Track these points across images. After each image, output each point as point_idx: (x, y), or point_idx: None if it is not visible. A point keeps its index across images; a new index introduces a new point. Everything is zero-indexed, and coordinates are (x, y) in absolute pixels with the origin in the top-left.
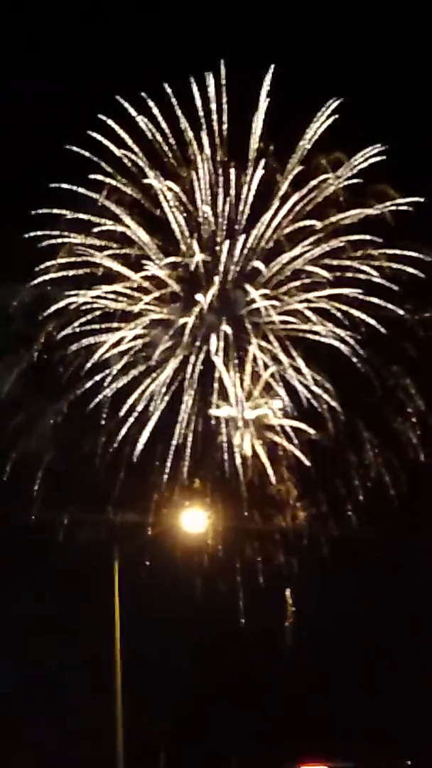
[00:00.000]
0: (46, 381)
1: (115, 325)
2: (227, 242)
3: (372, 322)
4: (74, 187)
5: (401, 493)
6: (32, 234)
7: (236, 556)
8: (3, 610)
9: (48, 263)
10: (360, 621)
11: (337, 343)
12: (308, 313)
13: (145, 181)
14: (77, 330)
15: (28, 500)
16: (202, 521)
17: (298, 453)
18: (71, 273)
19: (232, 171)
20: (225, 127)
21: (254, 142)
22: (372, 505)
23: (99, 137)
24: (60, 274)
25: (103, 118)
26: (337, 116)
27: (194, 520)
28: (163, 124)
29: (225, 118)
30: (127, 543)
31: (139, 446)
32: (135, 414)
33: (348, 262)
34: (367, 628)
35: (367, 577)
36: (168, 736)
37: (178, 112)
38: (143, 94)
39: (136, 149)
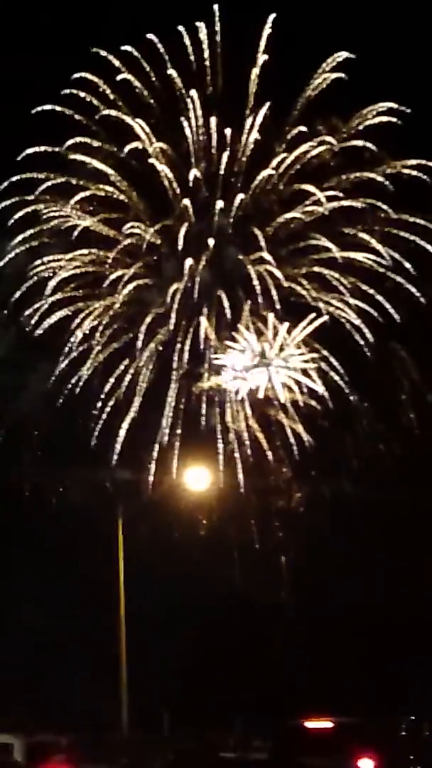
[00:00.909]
0: (38, 346)
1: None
2: (220, 202)
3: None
4: (55, 149)
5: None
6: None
7: (235, 519)
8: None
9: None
10: (360, 581)
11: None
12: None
13: (128, 147)
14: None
15: (22, 461)
16: (205, 479)
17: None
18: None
19: (228, 131)
20: (219, 82)
21: (250, 102)
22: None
23: (82, 94)
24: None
25: (86, 75)
26: (341, 75)
27: (197, 478)
28: (152, 79)
29: (219, 72)
30: (127, 503)
31: (134, 408)
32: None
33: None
34: (368, 586)
35: (365, 539)
36: (171, 697)
37: (169, 68)
38: (128, 47)
39: (122, 107)
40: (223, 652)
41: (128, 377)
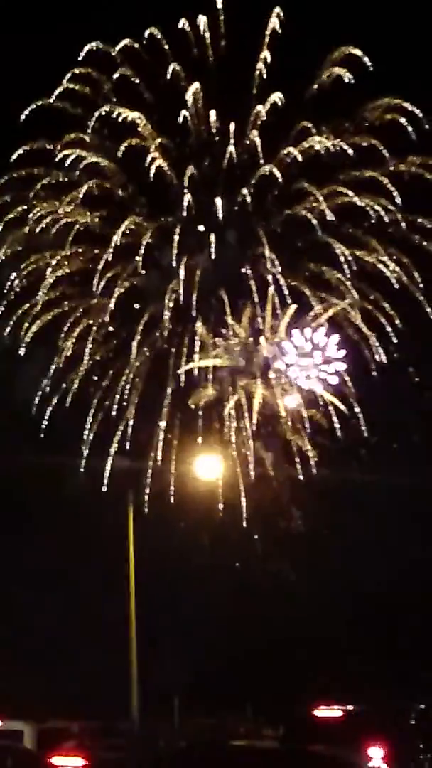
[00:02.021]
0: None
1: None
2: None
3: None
4: (51, 146)
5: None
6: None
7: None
8: (10, 562)
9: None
10: (373, 567)
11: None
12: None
13: (127, 143)
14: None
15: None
16: (217, 468)
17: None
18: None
19: (231, 126)
20: (221, 77)
21: (254, 97)
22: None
23: (80, 89)
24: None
25: (85, 70)
26: (346, 72)
27: (209, 467)
28: (152, 74)
29: (222, 67)
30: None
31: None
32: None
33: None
34: (380, 575)
35: (381, 524)
36: (181, 682)
37: (170, 62)
38: (127, 41)
39: (121, 102)
40: (234, 640)
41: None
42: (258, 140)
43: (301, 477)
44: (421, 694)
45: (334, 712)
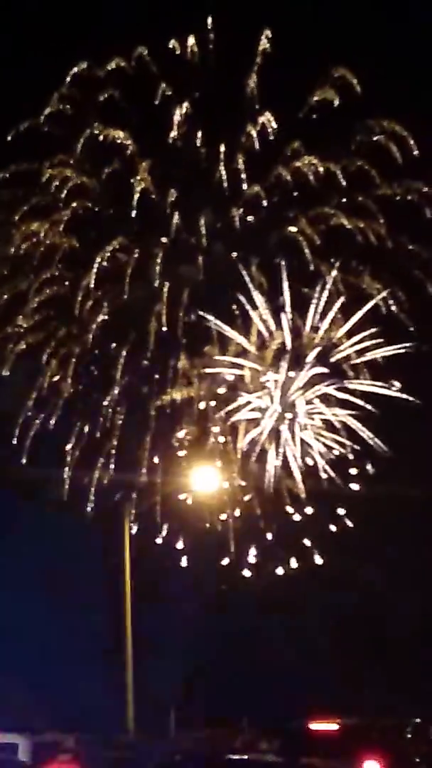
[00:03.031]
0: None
1: None
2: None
3: None
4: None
5: None
6: None
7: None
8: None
9: None
10: (370, 581)
11: None
12: None
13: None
14: None
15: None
16: (213, 480)
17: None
18: None
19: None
20: (211, 96)
21: (244, 116)
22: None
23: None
24: None
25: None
26: (335, 96)
27: (205, 479)
28: (140, 94)
29: (211, 86)
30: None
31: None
32: None
33: None
34: (376, 585)
35: (378, 537)
36: (177, 697)
37: (159, 83)
38: (116, 61)
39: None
40: (230, 652)
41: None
42: (243, 161)
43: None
44: (419, 707)
45: (330, 725)
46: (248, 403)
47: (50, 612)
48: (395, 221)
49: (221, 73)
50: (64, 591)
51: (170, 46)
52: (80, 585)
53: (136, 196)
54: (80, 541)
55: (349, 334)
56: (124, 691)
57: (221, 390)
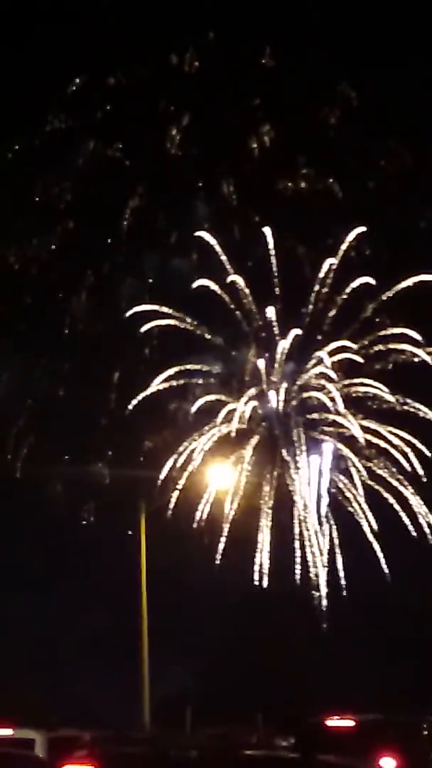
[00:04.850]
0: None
1: None
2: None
3: None
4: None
5: None
6: None
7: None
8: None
9: None
10: (384, 577)
11: None
12: None
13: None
14: None
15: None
16: (230, 476)
17: None
18: None
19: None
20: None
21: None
22: None
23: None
24: None
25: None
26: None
27: (222, 475)
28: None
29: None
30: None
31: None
32: None
33: None
34: (392, 582)
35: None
36: (193, 693)
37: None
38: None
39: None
40: (246, 648)
41: None
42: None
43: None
44: None
45: (347, 721)
46: None
47: (65, 608)
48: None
49: (221, 87)
50: (78, 587)
51: (171, 60)
52: (94, 581)
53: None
54: (95, 538)
55: None
56: (140, 688)
57: None
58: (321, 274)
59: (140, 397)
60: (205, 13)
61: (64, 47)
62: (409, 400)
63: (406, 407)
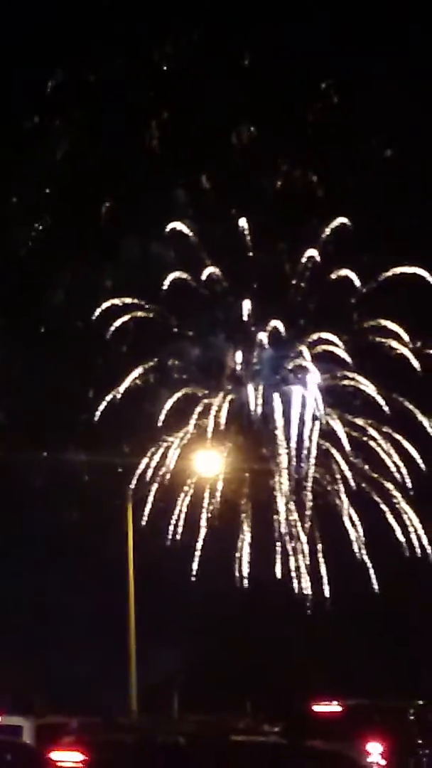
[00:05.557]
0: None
1: None
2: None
3: None
4: None
5: None
6: None
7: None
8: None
9: None
10: (371, 565)
11: None
12: None
13: None
14: None
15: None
16: (217, 464)
17: None
18: None
19: None
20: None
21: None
22: None
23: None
24: None
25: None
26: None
27: (209, 463)
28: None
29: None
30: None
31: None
32: None
33: None
34: (379, 570)
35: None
36: (181, 679)
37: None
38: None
39: None
40: (233, 635)
41: None
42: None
43: None
44: (419, 691)
45: (334, 707)
46: None
47: (52, 594)
48: None
49: (202, 84)
50: (65, 573)
51: (152, 57)
52: (82, 568)
53: None
54: (82, 524)
55: None
56: (127, 674)
57: None
58: (299, 267)
59: (118, 390)
60: (186, 10)
61: (43, 43)
62: (395, 395)
63: (389, 401)
